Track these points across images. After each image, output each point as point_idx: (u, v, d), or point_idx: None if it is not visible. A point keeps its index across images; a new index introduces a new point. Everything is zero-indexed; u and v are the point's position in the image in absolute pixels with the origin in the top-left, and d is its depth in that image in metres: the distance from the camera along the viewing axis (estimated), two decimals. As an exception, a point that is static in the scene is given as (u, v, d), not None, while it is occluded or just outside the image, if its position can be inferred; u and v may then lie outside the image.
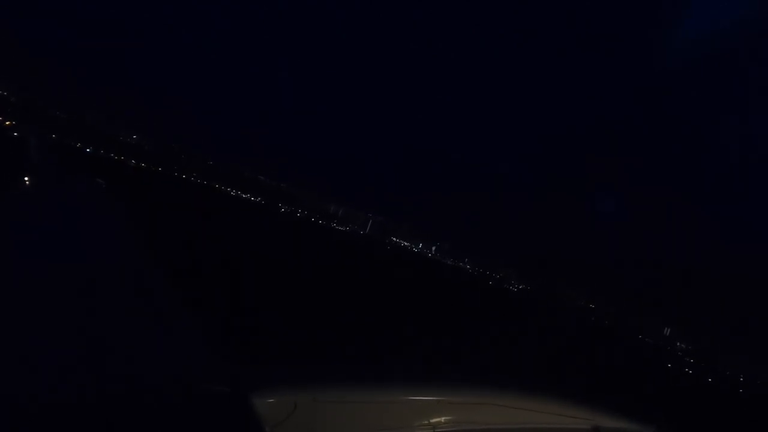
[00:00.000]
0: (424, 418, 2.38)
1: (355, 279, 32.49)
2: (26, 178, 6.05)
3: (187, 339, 2.38)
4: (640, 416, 2.99)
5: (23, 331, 1.90)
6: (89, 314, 2.28)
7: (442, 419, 2.41)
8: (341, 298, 20.57)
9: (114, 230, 4.98)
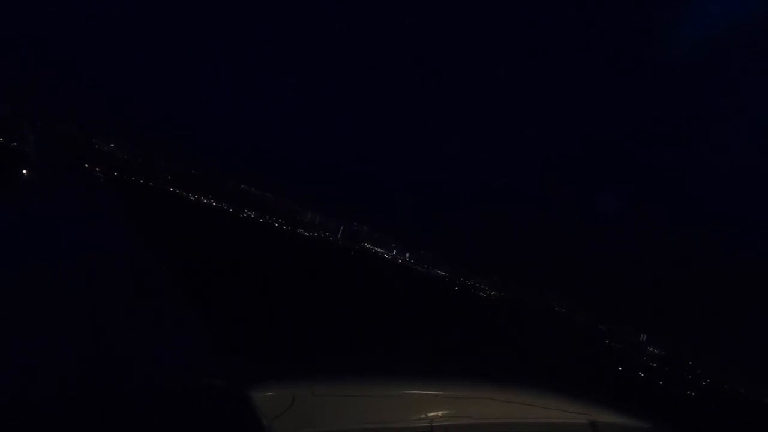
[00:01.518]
0: (422, 412, 2.38)
1: (350, 277, 32.56)
2: (24, 172, 6.03)
3: (185, 333, 2.39)
4: (638, 412, 3.01)
5: (22, 328, 1.90)
6: (87, 309, 2.28)
7: (440, 413, 2.42)
8: (337, 295, 20.61)
9: (110, 226, 4.97)
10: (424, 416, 2.38)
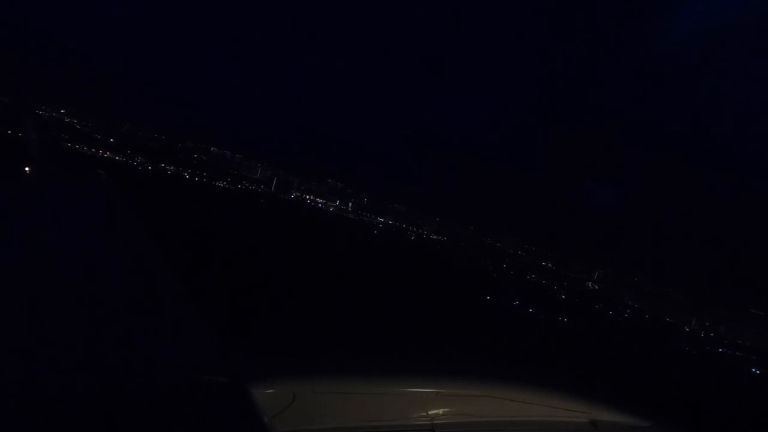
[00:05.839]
0: (423, 410, 2.38)
1: (354, 270, 32.49)
2: (27, 169, 6.04)
3: (186, 329, 2.39)
4: (638, 410, 3.00)
5: (23, 324, 1.91)
6: (88, 305, 2.28)
7: (441, 411, 2.42)
8: (337, 290, 20.61)
9: (114, 222, 4.97)
10: (425, 414, 2.38)
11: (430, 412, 2.39)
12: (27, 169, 6.12)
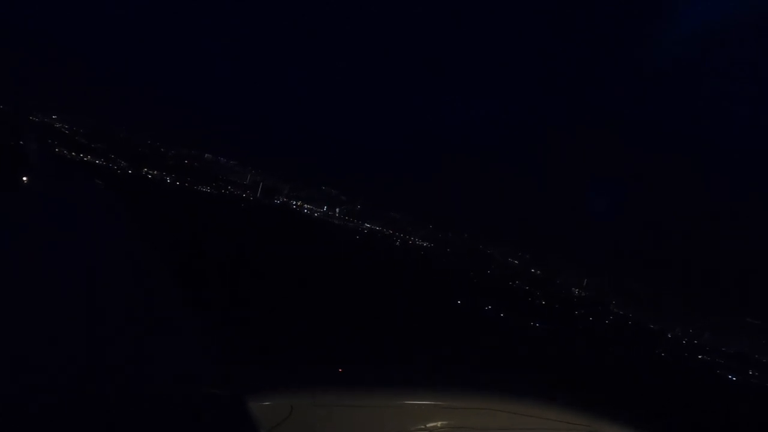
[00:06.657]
0: (421, 422, 2.37)
1: (353, 279, 32.38)
2: (25, 179, 6.04)
3: (184, 341, 2.38)
4: (639, 422, 2.98)
5: (22, 331, 1.89)
6: (88, 315, 2.27)
7: (439, 424, 2.41)
8: (337, 301, 20.52)
9: (112, 231, 4.97)
10: (423, 426, 2.37)
11: (428, 425, 2.38)
12: (25, 178, 6.11)
